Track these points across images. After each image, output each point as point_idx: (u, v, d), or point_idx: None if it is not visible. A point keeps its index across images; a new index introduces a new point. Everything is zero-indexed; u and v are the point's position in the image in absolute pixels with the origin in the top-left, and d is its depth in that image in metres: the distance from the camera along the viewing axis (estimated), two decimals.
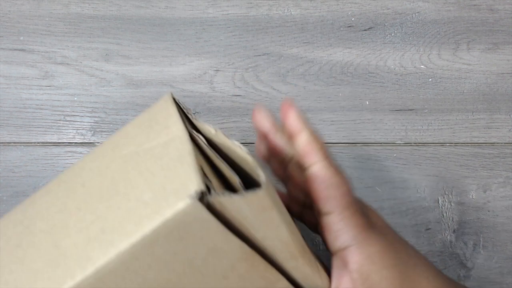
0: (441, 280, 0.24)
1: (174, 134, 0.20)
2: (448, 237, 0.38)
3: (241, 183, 0.20)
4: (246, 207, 0.19)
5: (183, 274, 0.19)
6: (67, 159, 0.38)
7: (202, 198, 0.17)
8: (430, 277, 0.24)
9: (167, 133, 0.21)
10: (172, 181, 0.18)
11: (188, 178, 0.18)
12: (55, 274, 0.19)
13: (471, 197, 0.38)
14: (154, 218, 0.17)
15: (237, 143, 0.20)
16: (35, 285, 0.19)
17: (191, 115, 0.22)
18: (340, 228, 0.22)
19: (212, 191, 0.18)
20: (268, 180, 0.19)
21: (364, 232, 0.22)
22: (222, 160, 0.21)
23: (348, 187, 0.23)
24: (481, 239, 0.38)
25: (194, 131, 0.21)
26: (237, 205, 0.18)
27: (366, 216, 0.23)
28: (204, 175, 0.19)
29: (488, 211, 0.38)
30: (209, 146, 0.21)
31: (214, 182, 0.20)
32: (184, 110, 0.22)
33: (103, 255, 0.18)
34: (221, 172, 0.21)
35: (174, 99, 0.23)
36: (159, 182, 0.19)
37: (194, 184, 0.17)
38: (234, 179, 0.20)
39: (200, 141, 0.21)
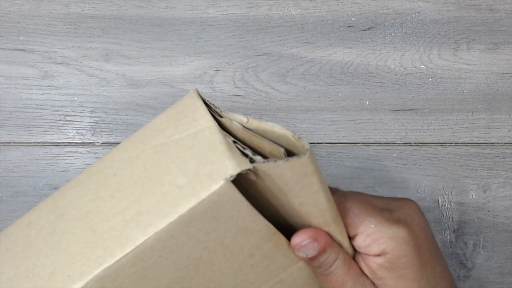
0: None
1: (203, 125, 0.21)
2: (448, 237, 0.38)
3: (285, 153, 0.21)
4: (289, 173, 0.20)
5: (213, 251, 0.21)
6: (67, 159, 0.38)
7: (236, 179, 0.19)
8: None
9: (196, 125, 0.22)
10: (205, 167, 0.19)
11: (221, 161, 0.19)
12: (94, 254, 0.20)
13: (471, 197, 0.38)
14: (190, 200, 0.19)
15: (272, 123, 0.21)
16: (74, 266, 0.20)
17: (218, 108, 0.23)
18: (368, 244, 0.23)
19: (255, 157, 0.19)
20: (311, 149, 0.20)
21: (391, 241, 0.23)
22: (262, 137, 0.21)
23: (359, 204, 0.24)
24: (481, 239, 0.38)
25: (228, 118, 0.22)
26: (280, 170, 0.20)
27: (399, 223, 0.24)
28: (240, 151, 0.20)
29: (488, 211, 0.38)
30: (246, 128, 0.22)
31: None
32: (210, 105, 0.23)
33: (141, 234, 0.19)
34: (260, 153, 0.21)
35: (199, 95, 0.24)
36: (192, 168, 0.20)
37: (227, 165, 0.19)
38: (279, 150, 0.21)
39: (234, 126, 0.22)
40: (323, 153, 0.38)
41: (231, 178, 0.19)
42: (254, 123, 0.22)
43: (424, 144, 0.39)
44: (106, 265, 0.19)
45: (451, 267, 0.38)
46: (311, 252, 0.23)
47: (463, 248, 0.38)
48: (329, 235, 0.23)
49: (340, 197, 0.24)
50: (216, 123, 0.22)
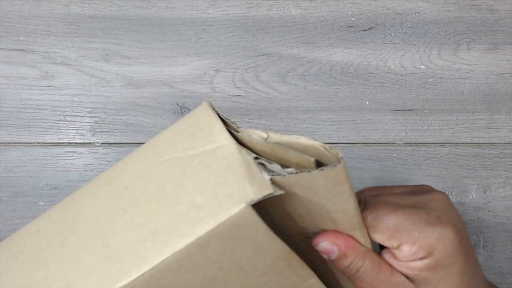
0: None
1: (221, 143, 0.21)
2: None
3: (315, 162, 0.20)
4: (321, 182, 0.20)
5: (228, 271, 0.21)
6: (67, 159, 0.38)
7: (256, 203, 0.19)
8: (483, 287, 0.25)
9: (212, 141, 0.22)
10: (224, 188, 0.19)
11: (240, 186, 0.19)
12: (110, 271, 0.20)
13: (471, 197, 0.38)
14: (208, 221, 0.19)
15: (296, 136, 0.21)
16: (88, 282, 0.20)
17: (234, 123, 0.23)
18: (414, 251, 0.23)
19: (287, 169, 0.20)
20: (344, 166, 0.20)
21: (438, 244, 0.23)
22: (288, 148, 0.21)
23: (395, 213, 0.24)
24: (481, 239, 0.38)
25: (246, 133, 0.22)
26: (313, 180, 0.20)
27: (439, 223, 0.23)
28: (263, 166, 0.20)
29: (488, 211, 0.38)
30: (268, 141, 0.21)
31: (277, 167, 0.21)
32: (225, 119, 0.23)
33: (159, 254, 0.19)
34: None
35: (213, 108, 0.24)
36: (210, 188, 0.20)
37: (249, 192, 0.19)
38: (308, 160, 0.20)
39: (254, 140, 0.22)
40: None
41: (252, 203, 0.19)
42: (276, 137, 0.21)
43: (424, 144, 0.39)
44: (122, 283, 0.19)
45: None
46: (332, 256, 0.23)
47: None
48: (353, 239, 0.23)
49: (371, 209, 0.24)
50: (234, 141, 0.21)
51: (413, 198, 0.26)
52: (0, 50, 0.38)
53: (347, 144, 0.39)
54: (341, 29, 0.40)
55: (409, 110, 0.39)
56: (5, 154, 0.37)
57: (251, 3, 0.40)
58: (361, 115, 0.39)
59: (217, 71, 0.39)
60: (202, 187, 0.20)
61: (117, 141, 0.38)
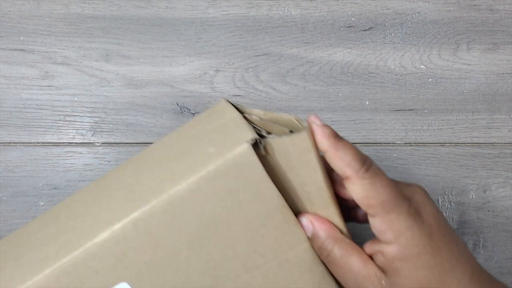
0: (474, 284, 0.25)
1: (230, 117, 0.26)
2: None
3: (290, 132, 0.24)
4: (291, 149, 0.24)
5: (231, 212, 0.24)
6: (67, 159, 0.38)
7: (255, 144, 0.23)
8: (463, 281, 0.24)
9: (224, 118, 0.26)
10: (232, 139, 0.24)
11: (243, 133, 0.23)
12: (131, 204, 0.23)
13: (471, 197, 0.38)
14: (217, 159, 0.23)
15: (283, 113, 0.26)
16: (112, 214, 0.23)
17: (242, 107, 0.27)
18: (384, 229, 0.24)
19: (268, 135, 0.24)
20: (310, 132, 0.24)
21: (408, 232, 0.24)
22: (274, 123, 0.26)
23: (389, 191, 0.24)
24: (481, 239, 0.38)
25: (248, 113, 0.27)
26: (285, 146, 0.23)
27: (415, 214, 0.24)
28: (256, 133, 0.24)
29: (488, 211, 0.38)
30: (261, 119, 0.27)
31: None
32: (235, 104, 0.28)
33: (174, 186, 0.23)
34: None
35: (227, 100, 0.28)
36: (221, 142, 0.24)
37: (249, 135, 0.23)
38: (284, 130, 0.25)
39: (253, 118, 0.27)
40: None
41: (252, 142, 0.23)
42: (269, 114, 0.26)
43: (424, 144, 0.39)
44: (142, 209, 0.22)
45: None
46: (308, 232, 0.25)
47: None
48: (330, 223, 0.25)
49: (372, 171, 0.25)
50: (241, 115, 0.26)
51: (400, 185, 0.27)
52: (0, 50, 0.38)
53: None
54: (341, 29, 0.40)
55: (409, 110, 0.39)
56: (5, 154, 0.37)
57: (251, 3, 0.40)
58: (361, 115, 0.39)
59: (217, 71, 0.39)
60: (215, 142, 0.24)
61: (117, 141, 0.38)
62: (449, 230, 0.26)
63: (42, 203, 0.37)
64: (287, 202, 0.25)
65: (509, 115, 0.39)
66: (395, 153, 0.39)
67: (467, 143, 0.39)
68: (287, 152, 0.24)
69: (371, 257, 0.25)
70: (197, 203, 0.23)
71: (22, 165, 0.37)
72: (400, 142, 0.39)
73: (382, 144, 0.39)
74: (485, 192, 0.39)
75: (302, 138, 0.24)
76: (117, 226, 0.22)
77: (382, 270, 0.25)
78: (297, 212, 0.26)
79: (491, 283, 0.26)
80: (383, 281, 0.24)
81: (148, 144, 0.37)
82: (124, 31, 0.39)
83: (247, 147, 0.23)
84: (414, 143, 0.39)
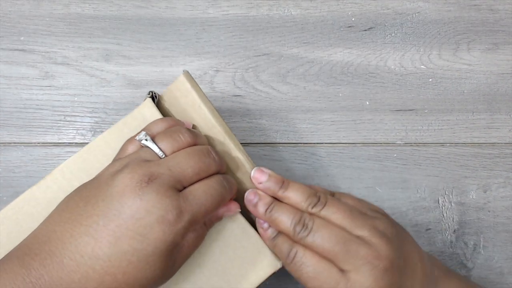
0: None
1: (144, 105, 0.29)
2: (449, 237, 0.38)
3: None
4: (178, 94, 0.29)
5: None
6: (67, 159, 0.38)
7: (153, 98, 0.29)
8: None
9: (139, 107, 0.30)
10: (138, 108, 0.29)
11: (147, 100, 0.29)
12: None
13: (471, 197, 0.38)
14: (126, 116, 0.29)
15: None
16: None
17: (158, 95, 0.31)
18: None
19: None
20: (188, 75, 0.29)
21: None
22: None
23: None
24: (481, 239, 0.38)
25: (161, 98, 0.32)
26: (172, 94, 0.29)
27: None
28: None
29: (489, 211, 0.38)
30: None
31: None
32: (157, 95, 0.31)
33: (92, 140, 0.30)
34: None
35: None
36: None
37: (149, 94, 0.29)
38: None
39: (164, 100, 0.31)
40: (323, 153, 0.38)
41: (150, 95, 0.29)
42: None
43: (424, 144, 0.39)
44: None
45: (452, 267, 0.38)
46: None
47: (463, 248, 0.38)
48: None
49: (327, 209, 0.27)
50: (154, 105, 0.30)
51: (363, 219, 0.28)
52: (0, 50, 0.38)
53: (347, 144, 0.39)
54: (341, 29, 0.40)
55: (409, 110, 0.39)
56: (5, 154, 0.37)
57: (251, 3, 0.40)
58: (361, 115, 0.39)
59: (217, 71, 0.39)
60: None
61: None
62: (411, 262, 0.27)
63: None
64: None
65: (509, 115, 0.39)
66: (395, 153, 0.39)
67: (467, 143, 0.39)
68: (176, 99, 0.29)
69: None
70: (113, 147, 0.28)
71: (22, 165, 0.37)
72: (400, 142, 0.39)
73: (382, 144, 0.39)
74: (485, 192, 0.39)
75: (180, 81, 0.28)
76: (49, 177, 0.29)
77: None
78: None
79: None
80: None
81: None
82: (124, 31, 0.39)
83: (148, 99, 0.28)
84: (414, 143, 0.39)
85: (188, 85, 0.28)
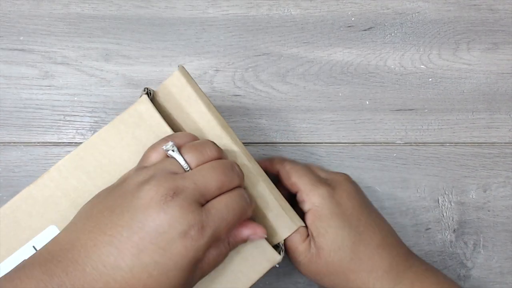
0: (381, 250, 0.30)
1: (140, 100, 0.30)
2: (448, 237, 0.38)
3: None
4: (174, 89, 0.29)
5: (137, 154, 0.28)
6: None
7: (148, 94, 0.29)
8: (369, 247, 0.30)
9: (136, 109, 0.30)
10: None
11: (143, 97, 0.29)
12: None
13: (471, 197, 0.38)
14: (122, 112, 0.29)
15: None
16: None
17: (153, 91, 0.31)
18: (302, 200, 0.31)
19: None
20: (184, 70, 0.29)
21: (319, 199, 0.30)
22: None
23: (307, 178, 0.32)
24: (481, 239, 0.38)
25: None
26: (167, 90, 0.29)
27: (327, 190, 0.31)
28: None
29: (488, 211, 0.38)
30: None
31: None
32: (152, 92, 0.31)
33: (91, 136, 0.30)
34: None
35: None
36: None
37: (143, 94, 0.29)
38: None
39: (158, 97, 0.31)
40: (323, 153, 0.38)
41: (145, 92, 0.29)
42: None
43: (424, 144, 0.39)
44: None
45: (451, 266, 0.38)
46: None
47: (463, 248, 0.38)
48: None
49: (292, 164, 0.33)
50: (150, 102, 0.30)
51: (327, 173, 0.34)
52: (0, 50, 0.38)
53: (347, 144, 0.39)
54: (341, 29, 0.40)
55: (409, 109, 0.39)
56: (5, 154, 0.37)
57: (251, 3, 0.40)
58: (361, 114, 0.39)
59: (217, 71, 0.39)
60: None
61: None
62: (362, 204, 0.31)
63: None
64: None
65: (509, 115, 0.39)
66: (395, 153, 0.39)
67: (467, 143, 0.39)
68: (172, 95, 0.29)
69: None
70: (109, 145, 0.28)
71: (22, 165, 0.37)
72: (400, 141, 0.39)
73: (382, 143, 0.39)
74: (485, 191, 0.39)
75: (176, 76, 0.29)
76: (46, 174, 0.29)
77: (311, 234, 0.30)
78: None
79: (403, 256, 0.30)
80: (312, 244, 0.29)
81: None
82: (123, 31, 0.39)
83: (143, 96, 0.29)
84: (414, 143, 0.39)
85: (183, 80, 0.29)
